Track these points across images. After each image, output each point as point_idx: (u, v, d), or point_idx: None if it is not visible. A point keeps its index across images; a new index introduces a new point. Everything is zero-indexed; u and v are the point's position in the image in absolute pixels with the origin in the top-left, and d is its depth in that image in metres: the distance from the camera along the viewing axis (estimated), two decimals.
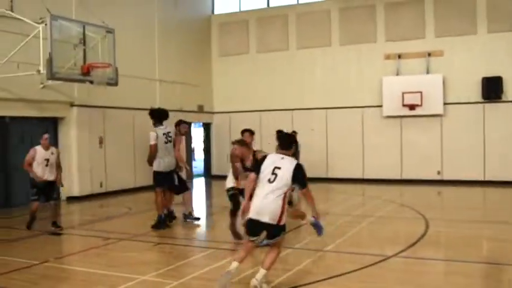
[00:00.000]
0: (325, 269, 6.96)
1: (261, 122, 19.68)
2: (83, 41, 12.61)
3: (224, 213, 12.32)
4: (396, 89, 17.67)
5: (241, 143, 8.58)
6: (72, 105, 14.65)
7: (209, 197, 15.94)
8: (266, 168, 5.85)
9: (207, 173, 21.41)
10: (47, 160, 9.95)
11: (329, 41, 19.33)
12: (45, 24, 11.75)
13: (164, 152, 10.10)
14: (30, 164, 9.87)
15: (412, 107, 17.44)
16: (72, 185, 14.51)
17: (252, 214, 5.77)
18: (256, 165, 6.08)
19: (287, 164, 5.84)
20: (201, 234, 10.47)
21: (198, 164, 22.93)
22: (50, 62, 11.53)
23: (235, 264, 5.69)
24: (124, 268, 7.10)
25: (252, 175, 5.97)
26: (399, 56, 18.11)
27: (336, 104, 18.53)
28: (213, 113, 21.19)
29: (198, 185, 19.31)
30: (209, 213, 13.04)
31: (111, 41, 13.01)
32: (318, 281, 6.27)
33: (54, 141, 14.46)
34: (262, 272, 5.72)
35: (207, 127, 21.48)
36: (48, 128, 14.33)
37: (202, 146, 22.30)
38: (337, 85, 18.96)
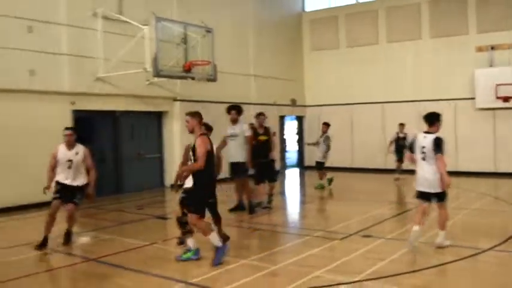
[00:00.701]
0: (419, 260, 7.07)
1: (352, 115, 20.00)
2: (184, 40, 13.60)
3: (316, 202, 12.99)
4: (489, 81, 17.37)
5: None
6: (175, 99, 15.77)
7: (302, 186, 16.51)
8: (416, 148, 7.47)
9: (300, 164, 22.08)
10: (70, 161, 8.16)
11: (419, 34, 19.28)
12: (150, 26, 12.85)
13: None
14: (53, 168, 8.19)
15: (506, 99, 17.08)
16: (174, 174, 15.56)
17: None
18: (410, 146, 7.74)
19: (428, 141, 7.30)
20: (297, 222, 11.12)
21: (291, 155, 23.55)
22: (155, 61, 12.54)
23: (416, 227, 7.23)
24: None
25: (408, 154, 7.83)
26: (492, 48, 17.71)
27: (427, 97, 18.44)
28: (305, 106, 21.73)
29: (292, 175, 19.97)
30: (302, 202, 13.62)
31: (210, 39, 13.89)
32: (413, 272, 6.54)
33: (158, 134, 15.72)
34: (441, 233, 7.41)
35: (299, 120, 22.08)
36: (152, 121, 15.55)
37: (296, 138, 22.94)
38: (428, 78, 18.91)
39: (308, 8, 22.30)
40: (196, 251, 7.19)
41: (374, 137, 19.60)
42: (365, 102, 20.01)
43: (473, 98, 17.88)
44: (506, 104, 17.18)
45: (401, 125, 16.50)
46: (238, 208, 11.22)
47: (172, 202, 13.18)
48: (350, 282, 6.06)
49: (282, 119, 20.86)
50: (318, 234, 8.82)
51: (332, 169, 20.02)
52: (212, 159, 7.24)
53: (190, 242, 7.24)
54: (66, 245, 8.21)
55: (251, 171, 11.25)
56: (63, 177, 8.13)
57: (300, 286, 5.97)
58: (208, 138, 7.31)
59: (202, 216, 6.97)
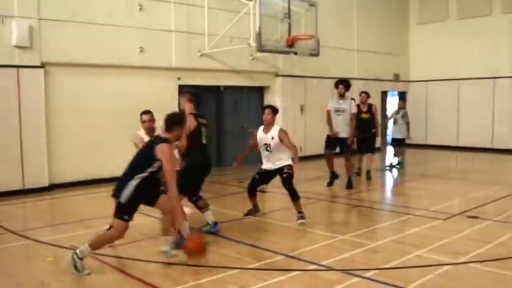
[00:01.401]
0: None
1: (459, 91, 19.11)
2: (288, 14, 13.56)
3: (418, 180, 12.67)
4: None
5: None
6: (276, 75, 15.90)
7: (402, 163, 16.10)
8: None
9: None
10: None
11: None
12: (255, 1, 12.94)
13: None
14: None
15: None
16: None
17: None
18: None
19: None
20: (398, 200, 10.94)
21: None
22: (259, 36, 12.62)
23: None
24: (325, 226, 7.89)
25: None
26: None
27: None
28: (409, 81, 21.04)
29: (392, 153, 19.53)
30: (403, 180, 13.34)
31: (314, 13, 13.77)
32: None
33: (260, 108, 15.95)
34: None
35: (402, 96, 21.39)
36: (254, 95, 15.81)
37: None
38: None
39: None
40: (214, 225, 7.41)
41: (482, 114, 18.64)
42: (473, 78, 18.96)
43: None
44: None
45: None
46: (332, 180, 11.51)
47: None
48: (454, 264, 5.91)
49: (384, 94, 20.35)
50: (419, 213, 8.65)
51: (436, 147, 19.52)
52: (198, 136, 7.19)
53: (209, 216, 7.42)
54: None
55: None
56: None
57: (402, 263, 5.91)
58: (196, 116, 7.26)
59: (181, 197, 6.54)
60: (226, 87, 15.00)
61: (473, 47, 19.11)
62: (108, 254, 6.30)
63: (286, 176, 7.94)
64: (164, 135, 6.07)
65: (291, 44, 13.32)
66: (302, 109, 16.49)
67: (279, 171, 8.06)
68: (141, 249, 6.59)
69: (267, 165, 8.21)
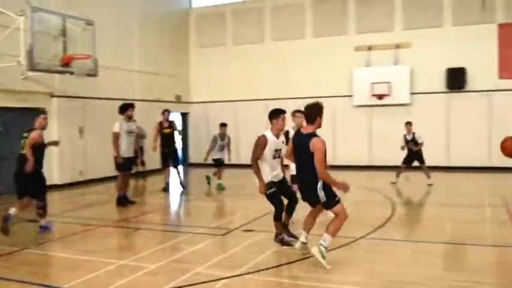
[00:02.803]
0: (299, 251, 7.17)
1: (236, 112, 20.30)
2: (64, 32, 12.94)
3: (200, 199, 13.03)
4: (366, 79, 18.46)
5: None
6: (52, 96, 14.99)
7: (187, 184, 16.38)
8: None
9: (184, 162, 21.91)
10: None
11: (303, 33, 19.96)
12: (26, 16, 12.10)
13: None
14: None
15: (380, 96, 18.27)
16: (53, 173, 14.91)
17: None
18: None
19: None
20: (179, 220, 11.10)
21: None
22: (30, 54, 11.86)
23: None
24: (104, 253, 7.50)
25: None
26: (369, 48, 18.84)
27: (309, 94, 19.03)
28: (191, 103, 21.67)
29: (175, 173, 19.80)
30: (186, 200, 13.58)
31: (91, 32, 13.41)
32: (291, 263, 6.81)
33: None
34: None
35: (184, 117, 21.95)
36: (27, 118, 14.64)
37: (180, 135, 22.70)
38: (310, 76, 19.57)
39: (195, 4, 22.19)
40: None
41: (259, 134, 19.92)
42: (250, 99, 20.35)
43: (351, 96, 18.84)
44: (381, 101, 18.33)
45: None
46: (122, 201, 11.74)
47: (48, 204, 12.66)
48: (230, 277, 6.15)
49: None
50: (200, 231, 8.86)
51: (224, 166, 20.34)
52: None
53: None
54: None
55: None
56: None
57: (180, 283, 5.96)
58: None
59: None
60: None
61: (249, 70, 20.55)
62: None
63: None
64: None
65: (67, 63, 12.77)
66: (81, 131, 15.80)
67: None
68: None
69: (276, 174, 7.50)
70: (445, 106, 17.93)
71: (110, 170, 16.35)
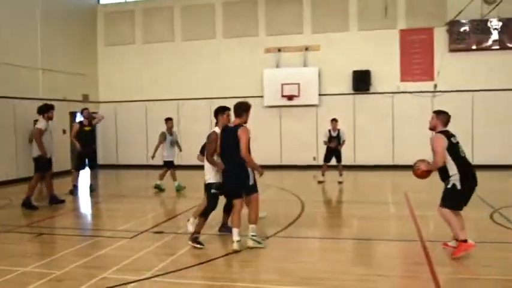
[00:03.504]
0: (208, 252, 7.27)
1: (146, 111, 19.96)
2: None
3: (109, 202, 12.67)
4: (276, 80, 18.74)
5: None
6: None
7: (96, 186, 15.93)
8: None
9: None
10: None
11: (213, 33, 19.95)
12: None
13: None
14: None
15: (290, 97, 18.62)
16: None
17: None
18: None
19: None
20: (86, 223, 10.69)
21: None
22: None
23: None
24: (4, 261, 7.08)
25: None
26: (279, 50, 19.17)
27: (220, 95, 19.15)
28: (99, 102, 21.00)
29: (84, 174, 19.12)
30: (95, 203, 13.12)
31: None
32: (200, 264, 6.75)
33: None
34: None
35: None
36: None
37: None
38: (221, 76, 19.63)
39: (102, 0, 21.53)
40: None
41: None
42: (160, 99, 20.06)
43: (261, 96, 19.05)
44: (291, 102, 18.70)
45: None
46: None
47: None
48: (137, 280, 6.02)
49: (72, 115, 19.81)
50: (108, 235, 8.62)
51: (128, 167, 19.93)
52: None
53: None
54: None
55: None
56: None
57: None
58: None
59: None
60: None
61: (160, 70, 20.30)
62: None
63: None
64: None
65: None
66: None
67: None
68: None
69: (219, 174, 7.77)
70: (350, 107, 18.60)
71: (13, 172, 15.76)
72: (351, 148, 18.34)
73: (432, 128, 7.04)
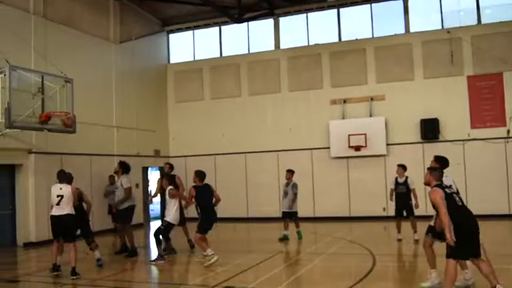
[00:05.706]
0: None
1: (215, 164, 20.38)
2: (42, 90, 13.00)
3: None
4: (342, 131, 18.80)
5: None
6: (30, 152, 14.85)
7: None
8: None
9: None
10: None
11: (279, 87, 20.44)
12: (4, 75, 12.12)
13: None
14: None
15: (357, 148, 18.57)
16: (30, 231, 14.66)
17: None
18: None
19: None
20: None
21: (155, 207, 23.15)
22: (8, 111, 11.81)
23: None
24: None
25: None
26: (344, 101, 19.33)
27: (287, 147, 19.37)
28: (169, 157, 21.67)
29: (155, 227, 19.48)
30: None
31: (70, 90, 13.48)
32: None
33: (10, 188, 14.71)
34: None
35: (163, 171, 21.84)
36: (5, 175, 14.50)
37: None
38: (287, 129, 19.96)
39: (173, 60, 22.62)
40: None
41: (237, 186, 20.08)
42: (228, 153, 20.51)
43: (328, 148, 19.10)
44: (358, 153, 18.62)
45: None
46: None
47: (25, 263, 12.34)
48: None
49: (145, 170, 20.56)
50: None
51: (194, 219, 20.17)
52: None
53: None
54: None
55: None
56: None
57: None
58: None
59: None
60: None
61: (227, 124, 20.90)
62: None
63: None
64: None
65: (45, 120, 12.77)
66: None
67: None
68: None
69: None
70: (420, 156, 18.19)
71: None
72: (422, 200, 17.82)
73: (427, 184, 7.42)
